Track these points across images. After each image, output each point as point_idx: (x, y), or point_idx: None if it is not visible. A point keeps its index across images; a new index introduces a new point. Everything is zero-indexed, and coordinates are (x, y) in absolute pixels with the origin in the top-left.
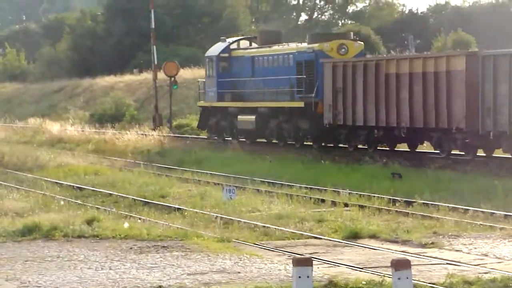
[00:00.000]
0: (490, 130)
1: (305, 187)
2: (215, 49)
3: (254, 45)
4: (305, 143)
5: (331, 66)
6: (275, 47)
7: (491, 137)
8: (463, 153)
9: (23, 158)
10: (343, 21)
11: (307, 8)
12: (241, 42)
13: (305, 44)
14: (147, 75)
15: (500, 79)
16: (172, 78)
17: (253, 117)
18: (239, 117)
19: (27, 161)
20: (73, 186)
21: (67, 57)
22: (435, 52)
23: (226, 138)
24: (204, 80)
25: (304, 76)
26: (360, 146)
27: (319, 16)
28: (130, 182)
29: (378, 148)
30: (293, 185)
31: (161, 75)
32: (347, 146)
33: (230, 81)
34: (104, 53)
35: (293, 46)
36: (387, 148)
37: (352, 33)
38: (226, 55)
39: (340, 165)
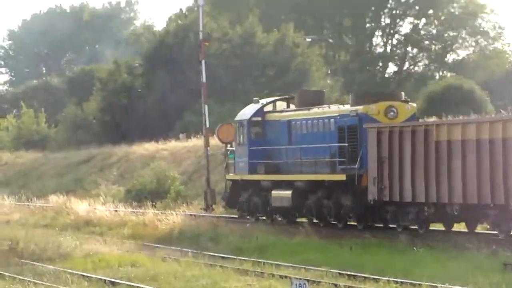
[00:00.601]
0: None
1: (395, 281)
2: (247, 112)
3: (292, 107)
4: (348, 223)
5: (375, 132)
6: (315, 109)
7: None
8: None
9: (43, 245)
10: (441, 73)
11: (396, 57)
12: (278, 103)
13: (348, 106)
14: (196, 141)
15: None
16: (229, 145)
17: (289, 192)
18: (273, 192)
19: (47, 248)
20: (105, 280)
21: (97, 119)
22: (491, 116)
23: (260, 217)
24: (233, 148)
25: (346, 144)
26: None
27: (411, 66)
28: (176, 275)
29: (478, 231)
30: (379, 278)
31: (214, 140)
32: (394, 226)
33: (264, 149)
34: (144, 114)
35: (334, 108)
36: (494, 232)
37: (403, 93)
38: (259, 119)
39: (434, 250)
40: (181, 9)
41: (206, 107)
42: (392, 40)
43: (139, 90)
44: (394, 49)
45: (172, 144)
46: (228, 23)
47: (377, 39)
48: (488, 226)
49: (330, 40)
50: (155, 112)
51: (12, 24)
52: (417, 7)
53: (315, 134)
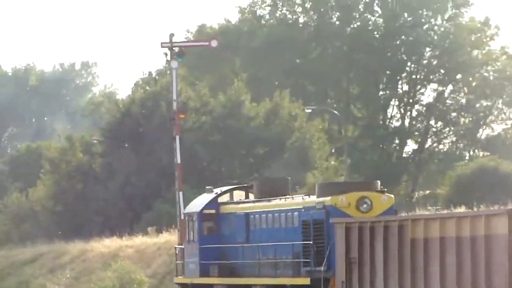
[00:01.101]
0: None
1: None
2: (198, 203)
3: (252, 197)
4: None
5: (343, 228)
6: (276, 201)
7: None
8: None
9: None
10: (471, 152)
11: (416, 133)
12: (235, 193)
13: (314, 198)
14: (169, 237)
15: None
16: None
17: None
18: None
19: None
20: None
21: (46, 208)
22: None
23: None
24: (183, 246)
25: (311, 242)
26: None
27: (435, 144)
28: None
29: None
30: None
31: None
32: None
33: (217, 247)
34: (104, 203)
35: (298, 200)
36: None
37: (379, 182)
38: (213, 211)
39: None
40: (150, 73)
41: (181, 194)
42: (411, 111)
43: (98, 172)
44: (414, 122)
45: (139, 240)
46: (208, 90)
47: (392, 110)
48: None
49: (335, 112)
50: (118, 200)
51: None
52: (442, 71)
53: (276, 230)
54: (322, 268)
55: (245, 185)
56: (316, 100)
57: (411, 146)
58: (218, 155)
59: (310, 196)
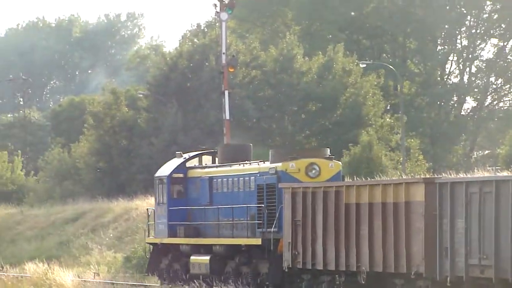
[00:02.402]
0: (448, 275)
1: None
2: (167, 168)
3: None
4: None
5: (290, 192)
6: (236, 166)
7: (448, 283)
8: None
9: None
10: None
11: (475, 90)
12: (204, 157)
13: (268, 164)
14: None
15: (457, 212)
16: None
17: (207, 258)
18: (191, 258)
19: None
20: None
21: (89, 165)
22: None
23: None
24: (153, 208)
25: (263, 205)
26: None
27: (495, 102)
28: None
29: None
30: None
31: None
32: None
33: (184, 210)
34: (149, 160)
35: (255, 165)
36: None
37: (328, 149)
38: (181, 175)
39: None
40: (198, 25)
41: None
42: (470, 67)
43: (144, 128)
44: (473, 79)
45: None
46: (258, 43)
47: (451, 66)
48: None
49: (391, 67)
50: (163, 157)
51: None
52: (503, 25)
53: (236, 193)
54: (272, 229)
55: (211, 150)
56: (371, 55)
57: (470, 103)
58: (269, 111)
59: (265, 162)
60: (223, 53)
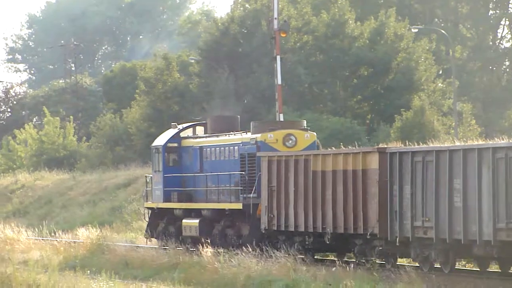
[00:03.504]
0: (397, 236)
1: None
2: (162, 138)
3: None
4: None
5: (266, 161)
6: (223, 136)
7: (397, 243)
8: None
9: None
10: None
11: None
12: (197, 128)
13: (249, 134)
14: None
15: (405, 179)
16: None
17: (197, 221)
18: (183, 221)
19: None
20: None
21: (141, 131)
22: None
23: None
24: (151, 175)
25: (243, 172)
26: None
27: None
28: None
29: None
30: None
31: None
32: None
33: (178, 177)
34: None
35: (238, 136)
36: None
37: (305, 121)
38: (175, 145)
39: None
40: None
41: (282, 116)
42: None
43: (195, 94)
44: None
45: None
46: (310, 8)
47: (503, 31)
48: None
49: (443, 31)
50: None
51: (33, 7)
52: None
53: (222, 162)
54: (252, 195)
55: (204, 122)
56: (422, 20)
57: None
58: (320, 76)
59: (247, 132)
60: (275, 18)
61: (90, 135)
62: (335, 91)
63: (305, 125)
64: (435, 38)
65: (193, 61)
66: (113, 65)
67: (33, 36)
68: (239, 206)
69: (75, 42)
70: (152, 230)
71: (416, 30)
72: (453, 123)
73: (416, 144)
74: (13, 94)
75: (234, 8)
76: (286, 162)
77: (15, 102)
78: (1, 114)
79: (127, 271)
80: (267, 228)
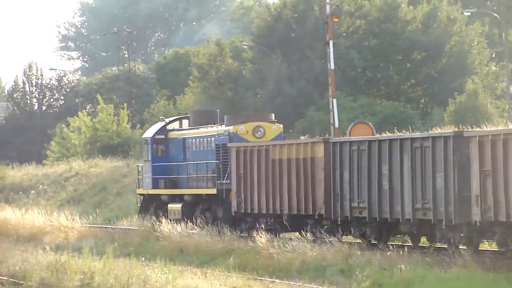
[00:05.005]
0: (339, 216)
1: None
2: (151, 130)
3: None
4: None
5: (235, 150)
6: (202, 129)
7: (339, 222)
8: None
9: (125, 280)
10: None
11: None
12: (184, 121)
13: (224, 127)
14: None
15: (344, 166)
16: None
17: (180, 205)
18: (169, 205)
19: (130, 284)
20: None
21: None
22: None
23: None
24: (142, 164)
25: (217, 161)
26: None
27: None
28: None
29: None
30: None
31: None
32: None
33: (165, 165)
34: (254, 110)
35: (215, 128)
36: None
37: (273, 114)
38: (162, 136)
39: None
40: None
41: (335, 101)
42: None
43: (249, 79)
44: None
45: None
46: None
47: None
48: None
49: (496, 15)
50: (269, 107)
51: None
52: None
53: (202, 151)
54: (224, 181)
55: (189, 115)
56: (475, 3)
57: None
58: (373, 61)
59: (222, 125)
60: (327, 3)
61: (144, 122)
62: (388, 75)
63: (273, 118)
64: (488, 22)
65: (246, 46)
66: (166, 52)
67: (86, 23)
68: (213, 191)
69: (127, 29)
70: (144, 214)
71: (469, 14)
72: (507, 106)
73: (469, 127)
74: (67, 82)
75: None
76: (251, 152)
77: (68, 90)
78: (54, 102)
79: (181, 257)
80: (236, 211)
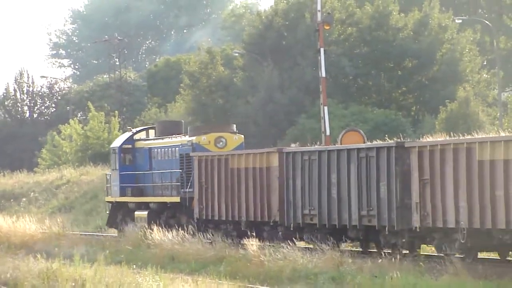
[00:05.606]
0: (291, 222)
1: None
2: (119, 140)
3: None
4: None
5: (197, 160)
6: (167, 139)
7: (291, 228)
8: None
9: (116, 287)
10: None
11: None
12: (150, 131)
13: (187, 137)
14: None
15: (297, 175)
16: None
17: (145, 213)
18: (135, 213)
19: None
20: None
21: (186, 124)
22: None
23: None
24: (110, 173)
25: (180, 170)
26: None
27: None
28: None
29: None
30: None
31: None
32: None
33: (132, 174)
34: (245, 118)
35: (178, 138)
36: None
37: (234, 125)
38: (129, 146)
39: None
40: None
41: (326, 109)
42: None
43: (240, 87)
44: None
45: None
46: (354, 0)
47: None
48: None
49: (487, 22)
50: (260, 115)
51: (77, 2)
52: None
53: (166, 161)
54: (187, 190)
55: (154, 126)
56: (467, 11)
57: None
58: (365, 68)
59: (186, 135)
60: (318, 11)
61: None
62: (379, 83)
63: (234, 129)
64: (480, 29)
65: (237, 54)
66: (157, 60)
67: (77, 31)
68: (177, 199)
69: (119, 37)
70: (112, 221)
71: (460, 21)
72: (498, 114)
73: (461, 135)
74: (58, 89)
75: (278, 1)
76: (212, 161)
77: (59, 98)
78: (46, 110)
79: (173, 265)
80: (198, 217)
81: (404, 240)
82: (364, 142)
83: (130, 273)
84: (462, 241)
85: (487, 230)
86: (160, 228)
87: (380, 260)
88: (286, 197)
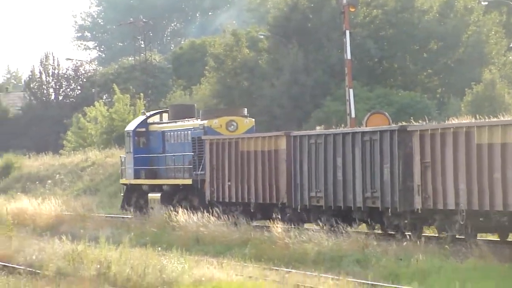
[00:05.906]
0: (299, 204)
1: None
2: (133, 123)
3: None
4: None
5: (208, 143)
6: (179, 122)
7: (298, 210)
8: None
9: (141, 269)
10: None
11: None
12: (164, 115)
13: (199, 121)
14: None
15: (304, 158)
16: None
17: (159, 195)
18: (149, 195)
19: (147, 273)
20: None
21: (211, 107)
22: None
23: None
24: (125, 156)
25: (192, 153)
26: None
27: None
28: None
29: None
30: None
31: None
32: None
33: (146, 157)
34: (270, 101)
35: (191, 122)
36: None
37: (245, 109)
38: (143, 129)
39: None
40: None
41: (351, 91)
42: None
43: (265, 69)
44: None
45: None
46: None
47: None
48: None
49: None
50: (285, 98)
51: None
52: None
53: (179, 144)
54: (199, 172)
55: (167, 109)
56: None
57: None
58: (390, 50)
59: (198, 119)
60: None
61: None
62: (405, 65)
63: (245, 112)
64: (506, 11)
65: (262, 36)
66: (182, 42)
67: (102, 13)
68: (189, 181)
69: (144, 19)
70: (127, 203)
71: (486, 3)
72: None
73: (487, 117)
74: (83, 72)
75: None
76: (223, 144)
77: (84, 80)
78: (71, 92)
79: (198, 247)
80: (209, 199)
81: (406, 221)
82: (389, 125)
83: (155, 255)
84: (462, 223)
85: (485, 212)
86: (185, 211)
87: (405, 243)
88: (294, 179)
